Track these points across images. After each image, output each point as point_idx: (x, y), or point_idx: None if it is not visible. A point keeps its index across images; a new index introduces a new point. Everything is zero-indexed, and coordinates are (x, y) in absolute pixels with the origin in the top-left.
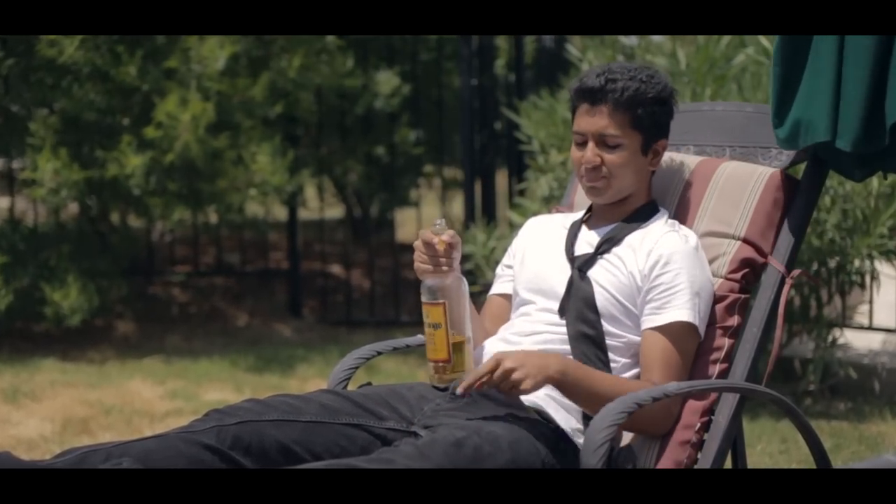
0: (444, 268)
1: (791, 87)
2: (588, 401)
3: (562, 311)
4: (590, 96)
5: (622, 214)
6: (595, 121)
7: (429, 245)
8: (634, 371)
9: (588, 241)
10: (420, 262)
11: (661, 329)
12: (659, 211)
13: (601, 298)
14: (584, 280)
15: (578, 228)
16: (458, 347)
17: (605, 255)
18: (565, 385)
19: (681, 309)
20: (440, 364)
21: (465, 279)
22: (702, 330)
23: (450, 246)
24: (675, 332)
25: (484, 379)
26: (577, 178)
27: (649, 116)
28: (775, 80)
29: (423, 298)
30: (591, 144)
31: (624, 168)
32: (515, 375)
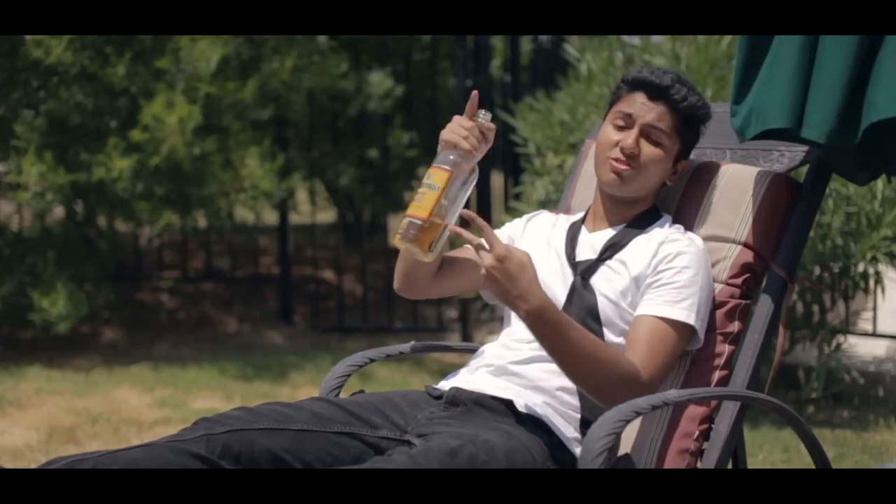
0: (470, 147)
1: (750, 76)
2: (561, 352)
3: None
4: (653, 89)
5: (625, 219)
6: (651, 111)
7: (470, 118)
8: None
9: (590, 245)
10: (453, 132)
11: (656, 317)
12: (662, 216)
13: (604, 307)
14: (587, 288)
15: (578, 231)
16: (435, 225)
17: (609, 262)
18: (538, 326)
19: (679, 306)
20: (414, 222)
21: (477, 171)
22: (701, 334)
23: (488, 132)
24: (669, 325)
25: (484, 236)
26: (599, 163)
27: (693, 134)
28: (736, 70)
29: (435, 161)
30: (635, 132)
31: (656, 166)
32: (497, 272)
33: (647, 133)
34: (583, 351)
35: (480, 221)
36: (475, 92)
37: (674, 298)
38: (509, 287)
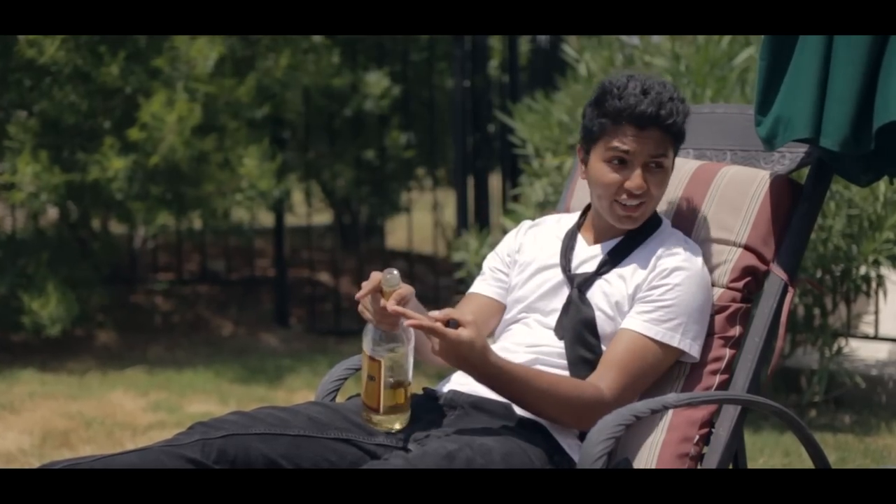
0: (388, 324)
1: (775, 83)
2: (520, 401)
3: (558, 331)
4: (642, 119)
5: (624, 230)
6: (645, 145)
7: (375, 298)
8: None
9: (588, 256)
10: (364, 309)
11: (638, 334)
12: (662, 222)
13: (601, 321)
14: (584, 302)
15: (574, 241)
16: (393, 394)
17: (606, 276)
18: (493, 386)
19: (664, 326)
20: (368, 410)
21: (410, 331)
22: (693, 350)
23: (398, 309)
24: (650, 343)
25: (435, 334)
26: (607, 202)
27: (684, 135)
28: (760, 76)
29: (363, 345)
30: (638, 171)
31: (662, 188)
32: (448, 355)
33: (647, 166)
34: (541, 395)
35: (427, 324)
36: (373, 274)
37: (660, 318)
38: (460, 364)
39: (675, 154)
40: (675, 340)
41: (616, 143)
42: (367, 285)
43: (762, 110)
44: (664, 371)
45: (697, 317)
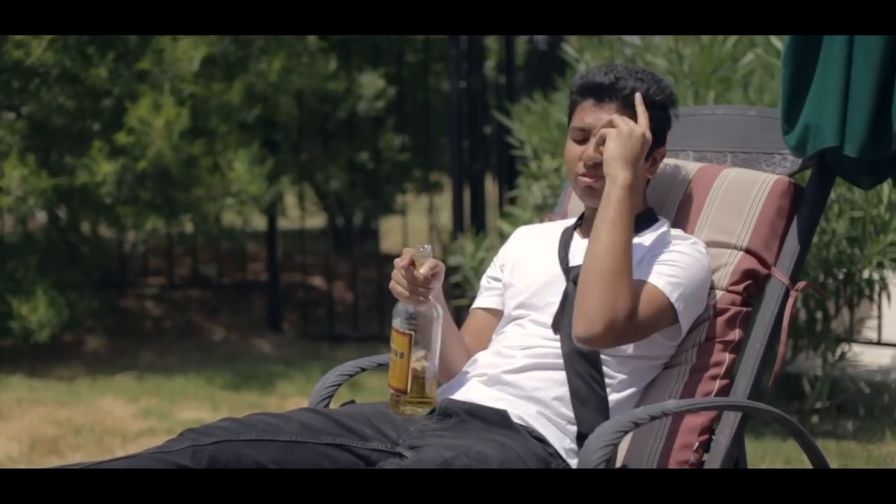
0: (420, 297)
1: (801, 90)
2: (610, 223)
3: (556, 326)
4: (597, 92)
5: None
6: (600, 116)
7: (408, 271)
8: (631, 391)
9: (581, 251)
10: (397, 283)
11: (642, 280)
12: (658, 220)
13: None
14: None
15: (571, 237)
16: (418, 379)
17: None
18: (616, 197)
19: (665, 279)
20: (396, 393)
21: (439, 308)
22: (683, 323)
23: (430, 277)
24: (652, 290)
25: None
26: (572, 179)
27: (655, 120)
28: (784, 84)
29: (393, 322)
30: (593, 141)
31: None
32: (612, 136)
33: (605, 138)
34: (624, 252)
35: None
36: (406, 250)
37: (664, 271)
38: (623, 154)
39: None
40: (673, 296)
41: (576, 121)
42: (402, 258)
43: (789, 119)
44: (657, 328)
45: (694, 290)
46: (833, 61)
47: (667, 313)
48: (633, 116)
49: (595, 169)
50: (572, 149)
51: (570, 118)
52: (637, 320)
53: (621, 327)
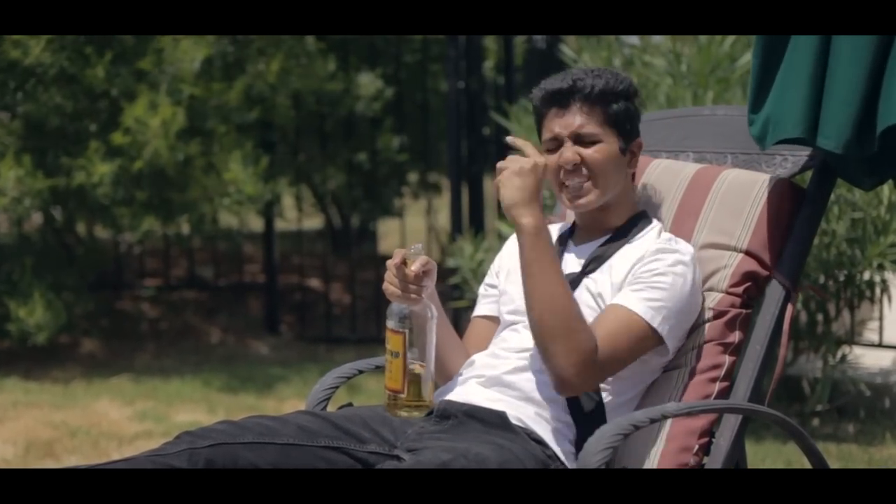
0: (413, 296)
1: (767, 83)
2: (541, 283)
3: None
4: (559, 99)
5: (609, 228)
6: (568, 120)
7: (400, 269)
8: (630, 394)
9: (575, 259)
10: (389, 283)
11: (621, 306)
12: (651, 223)
13: (588, 319)
14: None
15: (565, 244)
16: (414, 379)
17: (592, 275)
18: (529, 246)
19: (647, 304)
20: (392, 394)
21: (433, 308)
22: (670, 344)
23: (421, 274)
24: (633, 317)
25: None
26: (556, 189)
27: (623, 112)
28: (753, 76)
29: (387, 323)
30: (567, 144)
31: (606, 164)
32: (502, 183)
33: (578, 140)
34: (560, 297)
35: (521, 142)
36: (397, 251)
37: (647, 297)
38: (516, 193)
39: (622, 128)
40: (655, 321)
41: (546, 133)
42: (394, 258)
43: (754, 109)
44: (641, 354)
45: (679, 311)
46: (801, 54)
47: (650, 337)
48: (600, 113)
49: (575, 172)
50: (549, 160)
51: (540, 133)
52: (616, 349)
53: (600, 366)
